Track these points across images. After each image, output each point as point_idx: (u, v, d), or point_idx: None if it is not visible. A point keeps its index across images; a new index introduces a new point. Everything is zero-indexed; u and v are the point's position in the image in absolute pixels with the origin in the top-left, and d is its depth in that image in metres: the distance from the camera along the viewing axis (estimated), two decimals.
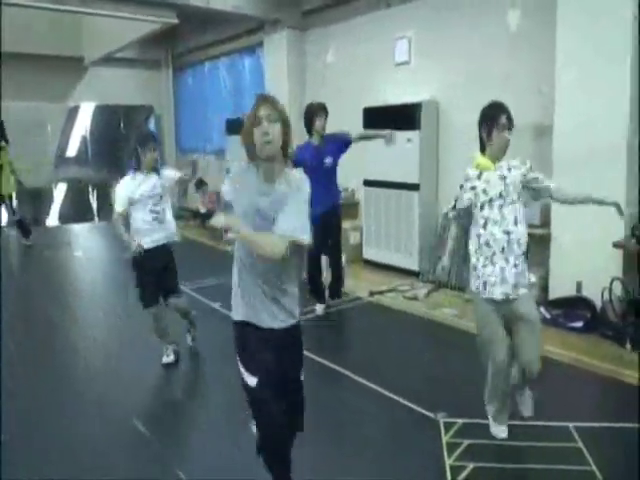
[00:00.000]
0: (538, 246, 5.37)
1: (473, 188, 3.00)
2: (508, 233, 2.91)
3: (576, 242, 4.87)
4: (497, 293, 2.93)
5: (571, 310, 4.75)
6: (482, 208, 2.97)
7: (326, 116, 5.27)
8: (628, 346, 4.16)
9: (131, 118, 12.78)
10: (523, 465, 2.79)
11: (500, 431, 3.13)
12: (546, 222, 5.20)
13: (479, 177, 2.99)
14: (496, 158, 2.99)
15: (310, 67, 8.58)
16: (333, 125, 8.00)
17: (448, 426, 3.26)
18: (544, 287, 5.17)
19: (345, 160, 7.79)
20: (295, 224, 2.11)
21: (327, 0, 7.72)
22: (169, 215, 4.26)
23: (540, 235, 5.21)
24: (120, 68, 11.79)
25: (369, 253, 7.22)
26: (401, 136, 6.36)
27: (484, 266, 2.95)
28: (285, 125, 2.19)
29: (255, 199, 2.21)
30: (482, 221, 2.96)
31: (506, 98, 5.56)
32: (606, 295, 4.51)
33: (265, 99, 2.22)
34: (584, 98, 4.72)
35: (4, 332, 4.79)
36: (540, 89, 5.36)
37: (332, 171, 5.32)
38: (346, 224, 7.42)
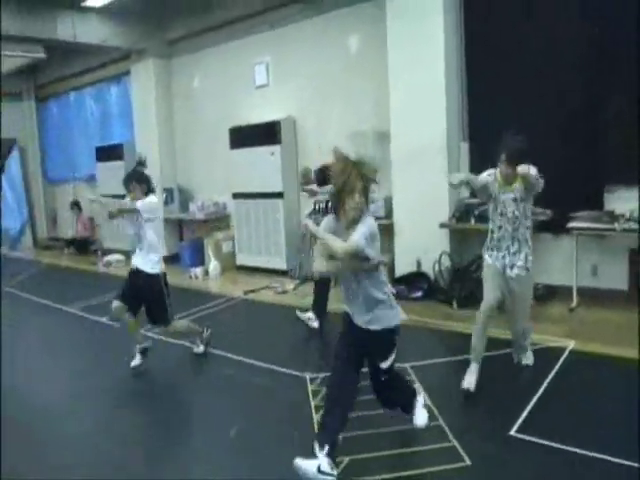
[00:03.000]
0: (385, 234, 6.22)
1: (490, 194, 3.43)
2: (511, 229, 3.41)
3: (413, 228, 5.77)
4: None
5: (412, 284, 5.63)
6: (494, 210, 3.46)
7: None
8: (455, 305, 5.05)
9: None
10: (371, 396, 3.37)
11: (466, 383, 3.42)
12: (389, 214, 6.06)
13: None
14: (506, 182, 3.34)
15: (177, 93, 9.00)
16: (202, 146, 8.58)
17: (312, 379, 3.89)
18: (391, 268, 6.01)
19: (214, 176, 8.39)
20: (355, 237, 2.57)
21: (191, 29, 8.26)
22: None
23: (385, 225, 6.06)
24: None
25: (242, 259, 7.76)
26: (265, 150, 7.13)
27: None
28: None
29: None
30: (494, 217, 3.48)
31: (350, 110, 6.59)
32: (437, 267, 5.43)
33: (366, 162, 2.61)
34: (412, 105, 5.66)
35: None
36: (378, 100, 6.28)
37: None
38: (218, 235, 7.95)
